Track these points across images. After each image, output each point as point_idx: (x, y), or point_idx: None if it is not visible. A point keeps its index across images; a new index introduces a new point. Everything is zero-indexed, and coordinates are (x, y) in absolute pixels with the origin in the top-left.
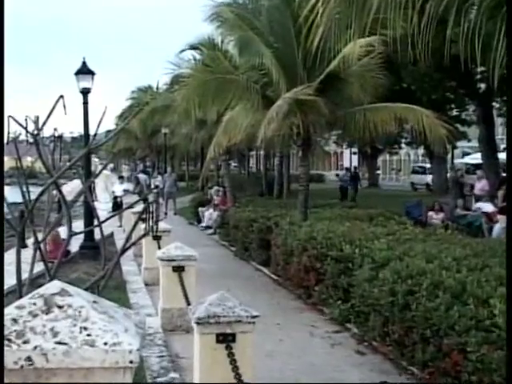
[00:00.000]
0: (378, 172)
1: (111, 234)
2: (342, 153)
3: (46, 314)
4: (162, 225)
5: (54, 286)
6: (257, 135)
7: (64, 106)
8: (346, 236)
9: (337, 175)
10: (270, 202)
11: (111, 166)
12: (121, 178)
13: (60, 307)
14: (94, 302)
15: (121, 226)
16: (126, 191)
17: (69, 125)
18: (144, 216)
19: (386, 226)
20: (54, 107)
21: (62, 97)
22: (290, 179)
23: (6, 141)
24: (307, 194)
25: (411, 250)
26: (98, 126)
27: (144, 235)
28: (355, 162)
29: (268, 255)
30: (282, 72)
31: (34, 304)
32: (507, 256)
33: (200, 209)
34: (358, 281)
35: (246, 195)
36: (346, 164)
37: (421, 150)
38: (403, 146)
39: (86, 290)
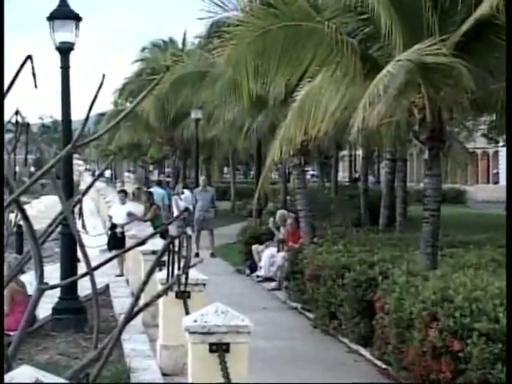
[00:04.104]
0: None
1: (105, 288)
2: (496, 153)
3: None
4: (192, 273)
5: (24, 373)
6: (352, 123)
7: (33, 74)
8: (504, 297)
9: None
10: (373, 237)
11: (106, 173)
12: (122, 193)
13: None
14: None
15: (122, 275)
16: (130, 216)
17: (36, 104)
18: (163, 259)
19: None
20: (16, 76)
21: (29, 58)
22: (408, 198)
23: None
24: (437, 223)
25: None
26: (91, 108)
27: (164, 291)
28: None
29: (370, 327)
30: (397, 17)
31: None
32: (507, 256)
33: (255, 247)
34: None
35: (332, 225)
36: (503, 172)
37: None
38: None
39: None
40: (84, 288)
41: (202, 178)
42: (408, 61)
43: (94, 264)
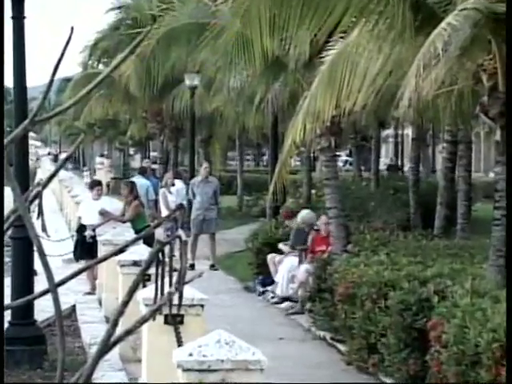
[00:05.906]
0: None
1: (71, 311)
2: None
3: None
4: (186, 291)
5: None
6: (399, 94)
7: None
8: None
9: None
10: (426, 245)
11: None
12: (98, 185)
13: None
14: None
15: (93, 293)
16: (104, 215)
17: None
18: (149, 272)
19: None
20: None
21: None
22: (473, 193)
23: None
24: None
25: None
26: (55, 71)
27: (151, 315)
28: None
29: (422, 364)
30: None
31: None
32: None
33: (271, 256)
34: None
35: (371, 228)
36: None
37: None
38: None
39: None
40: (43, 310)
41: (203, 166)
42: (475, 10)
43: (57, 278)
